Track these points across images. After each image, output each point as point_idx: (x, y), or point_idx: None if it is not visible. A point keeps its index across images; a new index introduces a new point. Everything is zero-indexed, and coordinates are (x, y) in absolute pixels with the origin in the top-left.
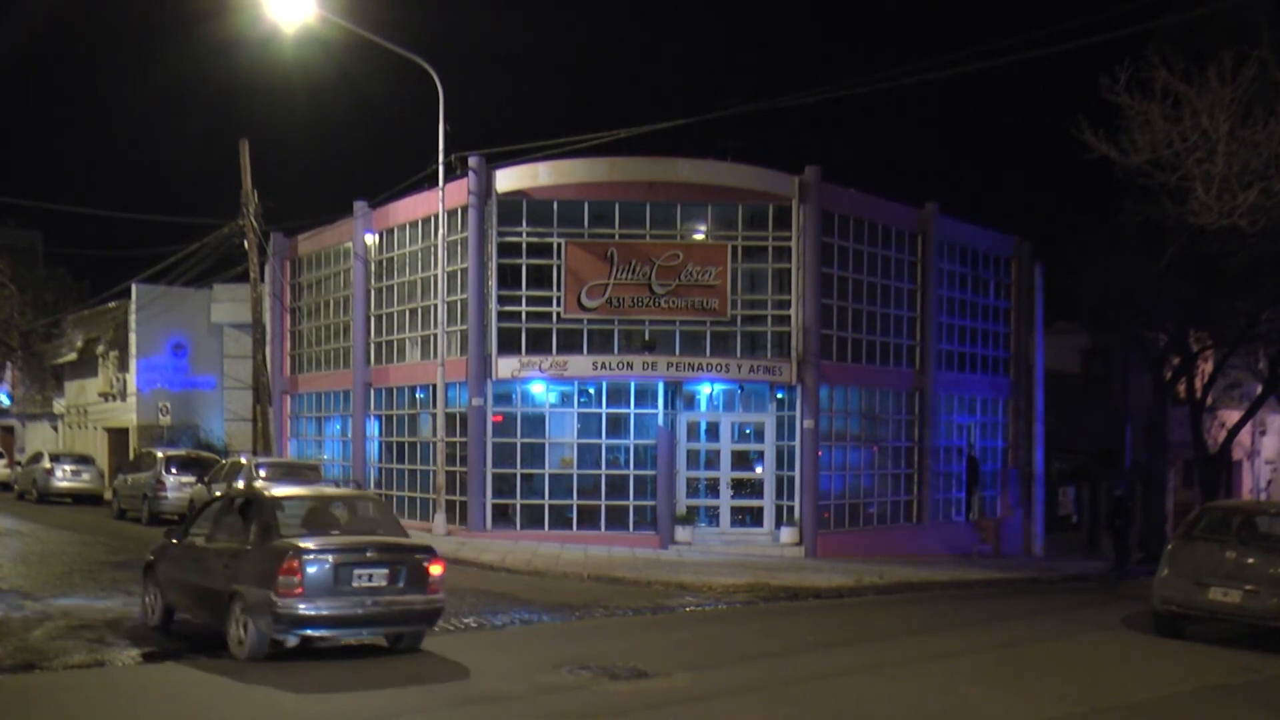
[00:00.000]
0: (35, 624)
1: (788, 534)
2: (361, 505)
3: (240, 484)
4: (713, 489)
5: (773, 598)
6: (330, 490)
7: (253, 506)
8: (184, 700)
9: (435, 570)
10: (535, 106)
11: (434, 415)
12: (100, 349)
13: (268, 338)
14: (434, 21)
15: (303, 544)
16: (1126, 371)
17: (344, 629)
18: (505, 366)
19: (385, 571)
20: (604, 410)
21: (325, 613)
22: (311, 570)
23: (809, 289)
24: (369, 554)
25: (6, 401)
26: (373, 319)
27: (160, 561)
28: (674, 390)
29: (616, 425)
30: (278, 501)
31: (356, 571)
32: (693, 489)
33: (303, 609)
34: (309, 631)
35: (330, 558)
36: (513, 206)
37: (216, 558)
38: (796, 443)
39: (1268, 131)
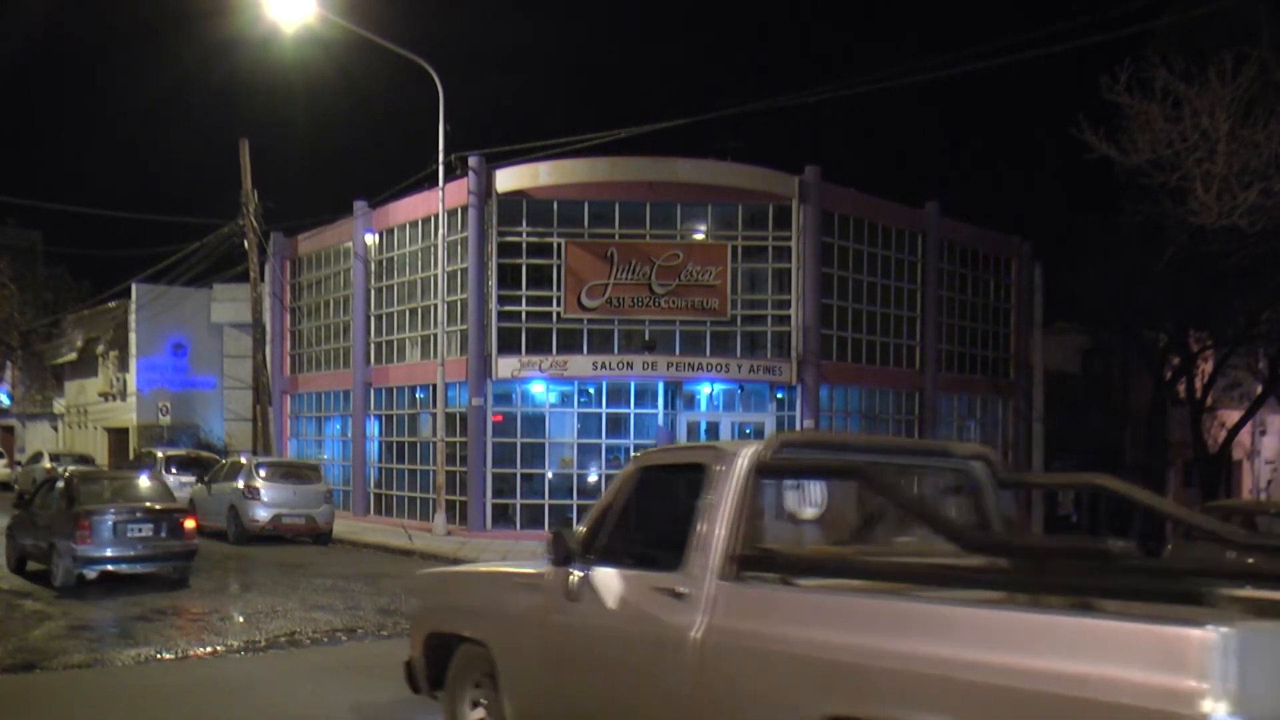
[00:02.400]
0: (35, 623)
1: None
2: (145, 482)
3: (60, 469)
4: None
5: None
6: (121, 473)
7: (65, 486)
8: (184, 700)
9: (189, 524)
10: (535, 106)
11: (434, 415)
12: (100, 349)
13: (268, 338)
14: (434, 21)
15: (92, 509)
16: (1126, 371)
17: (125, 564)
18: (505, 366)
19: (151, 525)
20: (604, 410)
21: (110, 554)
22: (98, 526)
23: (809, 289)
24: (138, 514)
25: (6, 401)
26: (373, 319)
27: (15, 525)
28: (674, 390)
29: (616, 425)
30: (81, 481)
31: (130, 526)
32: None
33: (93, 552)
34: (104, 567)
35: (111, 518)
36: (513, 206)
37: (44, 521)
38: None
39: (1268, 131)
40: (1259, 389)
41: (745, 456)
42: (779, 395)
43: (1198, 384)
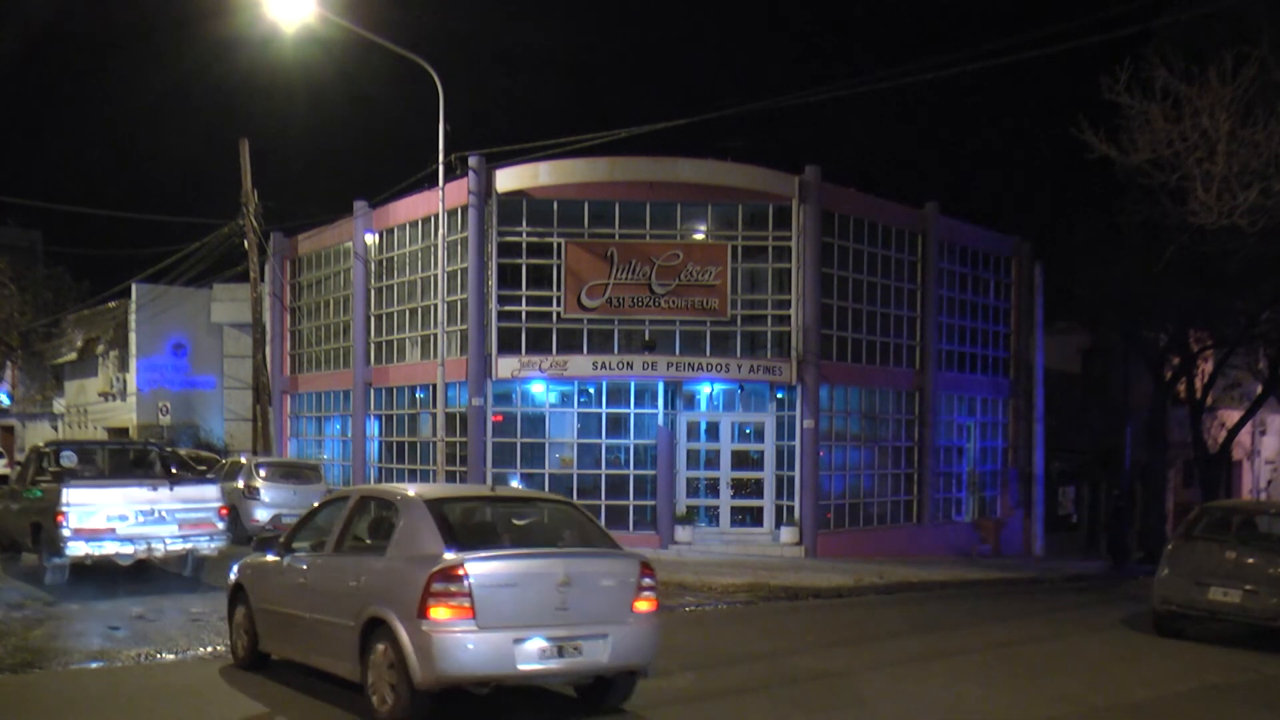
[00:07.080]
0: (36, 623)
1: (788, 534)
2: None
3: None
4: (713, 489)
5: (773, 598)
6: None
7: None
8: (184, 700)
9: None
10: (535, 106)
11: (434, 415)
12: (100, 349)
13: (268, 337)
14: (434, 21)
15: None
16: (1126, 371)
17: None
18: (505, 366)
19: None
20: (604, 410)
21: None
22: None
23: (809, 289)
24: None
25: (6, 401)
26: (373, 319)
27: None
28: (674, 390)
29: (616, 425)
30: None
31: None
32: (693, 489)
33: None
34: None
35: None
36: (513, 206)
37: None
38: (796, 443)
39: (1268, 131)
40: (1259, 389)
41: (45, 446)
42: (779, 395)
43: (1198, 384)
